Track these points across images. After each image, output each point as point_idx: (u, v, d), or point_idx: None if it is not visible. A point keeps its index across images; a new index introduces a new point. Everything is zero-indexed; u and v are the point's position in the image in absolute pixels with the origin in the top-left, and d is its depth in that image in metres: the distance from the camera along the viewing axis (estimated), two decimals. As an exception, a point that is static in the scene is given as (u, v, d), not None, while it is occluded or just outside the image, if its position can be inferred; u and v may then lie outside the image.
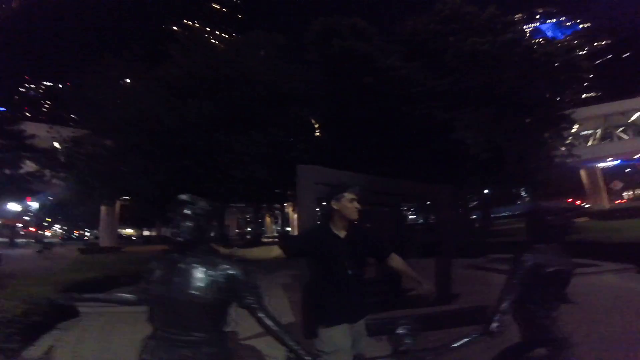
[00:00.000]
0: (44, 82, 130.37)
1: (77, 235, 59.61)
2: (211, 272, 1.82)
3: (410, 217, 39.55)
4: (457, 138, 12.59)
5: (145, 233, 57.43)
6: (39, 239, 32.56)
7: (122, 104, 12.83)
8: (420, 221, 35.19)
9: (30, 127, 26.99)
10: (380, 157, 14.85)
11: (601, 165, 41.96)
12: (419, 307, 4.36)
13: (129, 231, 59.22)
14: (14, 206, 34.26)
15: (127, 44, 15.82)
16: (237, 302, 1.86)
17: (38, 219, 48.02)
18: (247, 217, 53.69)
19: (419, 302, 4.75)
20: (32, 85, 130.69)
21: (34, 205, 38.03)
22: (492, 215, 21.92)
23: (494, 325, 2.13)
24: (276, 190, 17.11)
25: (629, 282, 5.74)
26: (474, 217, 22.14)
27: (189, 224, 1.84)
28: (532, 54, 14.05)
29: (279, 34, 15.74)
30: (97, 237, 43.11)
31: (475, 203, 21.62)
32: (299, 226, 4.04)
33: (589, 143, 40.65)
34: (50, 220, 55.82)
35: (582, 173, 40.65)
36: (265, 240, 32.88)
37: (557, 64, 14.08)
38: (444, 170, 13.78)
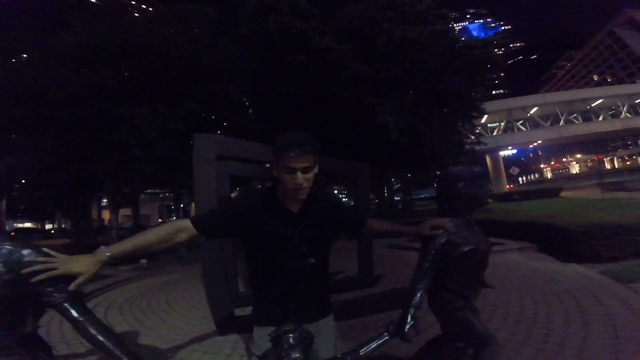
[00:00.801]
0: None
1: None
2: None
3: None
4: (381, 122, 12.89)
5: (48, 226, 50.85)
6: None
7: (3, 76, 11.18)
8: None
9: None
10: None
11: (503, 153, 48.32)
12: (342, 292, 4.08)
13: (28, 225, 52.85)
14: None
15: (22, 12, 13.82)
16: (35, 299, 1.29)
17: None
18: (171, 206, 50.45)
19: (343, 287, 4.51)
20: None
21: None
22: (413, 197, 23.49)
23: (408, 326, 1.71)
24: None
25: (531, 260, 6.10)
26: (397, 198, 23.45)
27: None
28: (455, 44, 15.01)
29: (210, 8, 14.83)
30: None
31: (398, 186, 22.90)
32: (197, 211, 3.36)
33: (494, 133, 46.07)
34: None
35: (487, 160, 46.21)
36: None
37: (475, 55, 15.04)
38: (369, 153, 14.09)
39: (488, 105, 34.76)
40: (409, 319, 1.67)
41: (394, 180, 22.06)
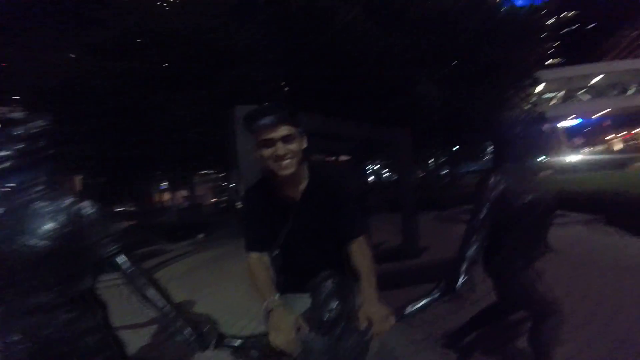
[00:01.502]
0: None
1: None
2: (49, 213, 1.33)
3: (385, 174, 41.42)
4: (420, 92, 12.34)
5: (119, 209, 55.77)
6: None
7: (48, 74, 11.80)
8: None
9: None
10: (348, 113, 14.68)
11: (563, 124, 44.45)
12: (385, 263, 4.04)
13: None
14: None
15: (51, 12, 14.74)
16: (90, 252, 1.38)
17: None
18: (222, 185, 52.98)
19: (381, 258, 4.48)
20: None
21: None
22: (461, 171, 22.79)
23: (460, 280, 1.54)
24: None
25: (598, 234, 5.57)
26: (444, 172, 22.89)
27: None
28: (494, 13, 13.90)
29: None
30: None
31: (444, 159, 22.19)
32: (243, 181, 3.45)
33: (551, 103, 42.27)
34: None
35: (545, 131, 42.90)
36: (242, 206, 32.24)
37: (518, 23, 13.93)
38: (410, 124, 13.68)
39: (544, 74, 31.82)
40: (461, 273, 1.58)
41: (440, 153, 21.44)
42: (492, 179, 1.73)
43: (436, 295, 1.46)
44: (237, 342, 1.22)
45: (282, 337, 1.09)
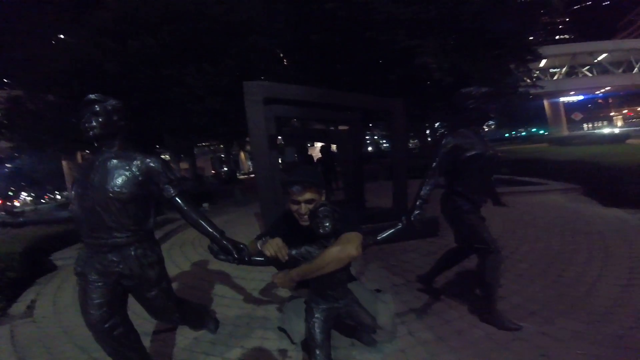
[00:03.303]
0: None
1: (46, 199, 57.04)
2: (127, 165, 1.76)
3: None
4: (421, 63, 12.36)
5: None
6: (9, 210, 30.86)
7: (56, 57, 12.10)
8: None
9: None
10: (345, 86, 14.61)
11: (565, 99, 44.12)
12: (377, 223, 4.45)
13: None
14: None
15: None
16: (158, 195, 1.81)
17: (2, 190, 45.60)
18: (222, 157, 53.08)
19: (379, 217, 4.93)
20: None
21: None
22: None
23: (415, 214, 2.11)
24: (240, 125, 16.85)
25: (573, 202, 5.94)
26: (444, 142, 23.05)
27: (100, 119, 1.78)
28: None
29: None
30: (69, 198, 41.49)
31: (442, 130, 22.23)
32: (252, 150, 3.88)
33: (555, 77, 41.88)
34: (14, 189, 53.03)
35: (546, 104, 42.72)
36: (242, 177, 32.72)
37: None
38: (409, 94, 13.69)
39: (550, 49, 31.17)
40: (416, 209, 2.14)
41: (438, 125, 21.47)
42: (446, 139, 2.29)
43: (399, 226, 2.08)
44: (262, 259, 1.76)
45: (272, 250, 1.75)
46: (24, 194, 60.19)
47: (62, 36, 14.06)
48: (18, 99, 14.04)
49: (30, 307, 3.62)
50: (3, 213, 31.72)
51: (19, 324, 3.24)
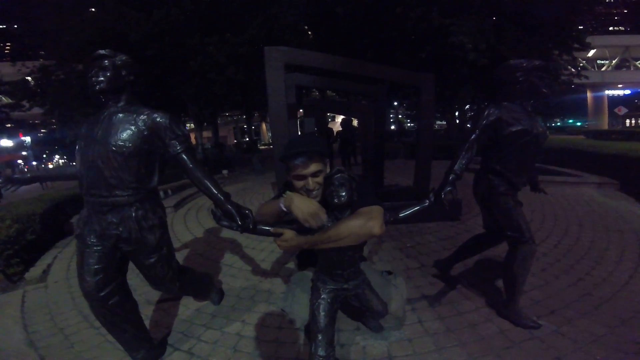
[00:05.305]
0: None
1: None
2: (132, 119, 1.67)
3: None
4: (455, 42, 11.73)
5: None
6: (15, 166, 32.28)
7: (83, 28, 12.49)
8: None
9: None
10: (370, 61, 14.21)
11: (610, 91, 41.36)
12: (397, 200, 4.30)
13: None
14: (7, 143, 34.73)
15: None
16: (163, 151, 1.72)
17: (35, 153, 47.88)
18: (244, 127, 53.72)
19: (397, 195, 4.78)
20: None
21: (28, 140, 37.55)
22: None
23: (445, 191, 1.86)
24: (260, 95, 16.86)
25: (608, 197, 5.58)
26: (486, 113, 22.54)
27: (108, 74, 1.69)
28: None
29: None
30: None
31: (471, 114, 21.52)
32: (270, 118, 3.73)
33: (603, 69, 39.17)
34: (48, 152, 55.60)
35: (589, 95, 40.33)
36: (262, 147, 32.86)
37: None
38: (439, 73, 13.24)
39: (601, 40, 28.83)
40: (448, 185, 1.89)
41: (468, 108, 20.62)
42: (489, 110, 2.02)
43: (426, 204, 1.83)
44: (269, 228, 1.55)
45: (309, 206, 1.48)
46: (56, 157, 63.42)
47: (92, 9, 14.29)
48: (49, 68, 14.85)
49: (46, 272, 3.60)
50: (10, 170, 33.53)
51: (32, 289, 3.22)
